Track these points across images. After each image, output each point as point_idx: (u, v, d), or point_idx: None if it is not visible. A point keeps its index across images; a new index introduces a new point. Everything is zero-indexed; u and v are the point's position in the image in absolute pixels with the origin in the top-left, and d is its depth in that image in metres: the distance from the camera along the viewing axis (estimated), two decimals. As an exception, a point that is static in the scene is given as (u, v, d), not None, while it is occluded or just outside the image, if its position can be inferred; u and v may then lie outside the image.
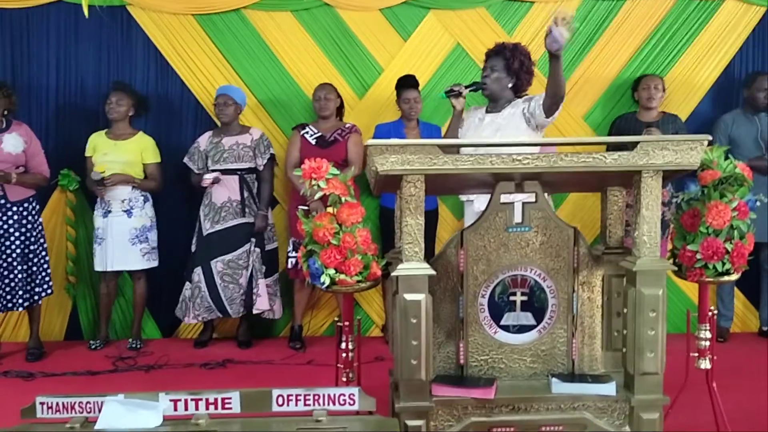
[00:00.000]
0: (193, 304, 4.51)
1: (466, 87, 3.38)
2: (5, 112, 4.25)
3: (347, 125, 4.60)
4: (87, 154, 4.54)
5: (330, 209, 2.44)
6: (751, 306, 4.88)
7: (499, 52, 3.38)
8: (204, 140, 4.59)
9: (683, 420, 2.92)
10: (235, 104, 4.52)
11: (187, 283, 4.56)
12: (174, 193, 4.76)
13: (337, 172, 2.42)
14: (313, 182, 2.36)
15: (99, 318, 4.70)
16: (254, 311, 4.52)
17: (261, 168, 4.54)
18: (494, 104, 3.44)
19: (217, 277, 4.46)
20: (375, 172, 2.29)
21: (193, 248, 4.58)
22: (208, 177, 4.44)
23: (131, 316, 4.75)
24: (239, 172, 4.50)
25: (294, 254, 4.52)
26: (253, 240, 4.51)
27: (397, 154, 2.26)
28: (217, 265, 4.48)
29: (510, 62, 3.35)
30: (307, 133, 4.56)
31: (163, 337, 4.85)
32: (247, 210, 4.50)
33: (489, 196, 3.13)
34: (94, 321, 4.78)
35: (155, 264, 4.59)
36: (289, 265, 4.57)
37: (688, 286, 4.55)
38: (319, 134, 4.55)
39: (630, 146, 2.35)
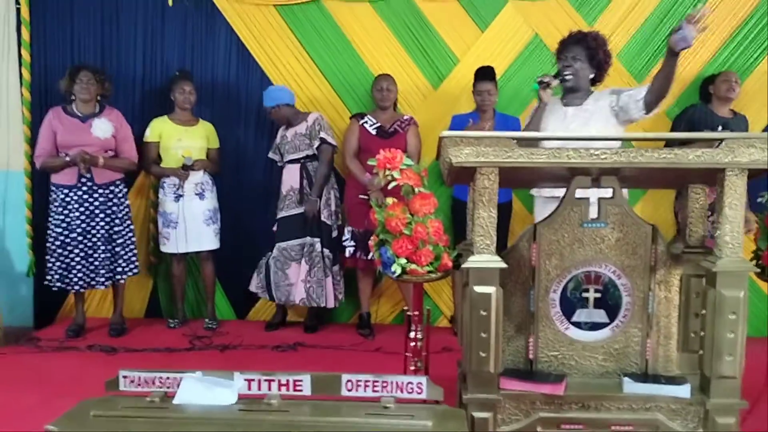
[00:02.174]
0: (258, 276, 4.68)
1: (554, 77, 3.26)
2: (98, 98, 4.45)
3: (405, 117, 4.61)
4: (151, 139, 4.65)
5: (390, 199, 2.46)
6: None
7: (580, 41, 3.27)
8: (279, 134, 4.70)
9: (761, 426, 2.81)
10: (280, 107, 4.56)
11: (263, 257, 4.70)
12: (238, 179, 4.89)
13: (411, 162, 2.43)
14: (388, 172, 2.38)
15: (175, 298, 4.88)
16: (324, 305, 4.59)
17: (317, 152, 4.58)
18: (572, 96, 3.34)
19: (272, 261, 4.59)
20: (449, 163, 2.30)
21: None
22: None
23: (205, 296, 4.91)
24: (300, 161, 4.57)
25: (351, 243, 4.57)
26: (318, 239, 4.54)
27: (472, 146, 2.25)
28: (275, 250, 4.60)
29: (594, 52, 3.25)
30: (366, 122, 4.60)
31: (238, 318, 5.00)
32: (304, 197, 4.56)
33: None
34: (171, 300, 4.96)
35: (219, 245, 4.75)
36: (347, 254, 4.61)
37: (772, 289, 4.38)
38: (379, 125, 4.57)
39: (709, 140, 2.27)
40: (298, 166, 4.58)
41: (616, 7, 4.71)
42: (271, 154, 4.76)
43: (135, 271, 4.57)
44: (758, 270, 2.55)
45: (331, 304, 4.62)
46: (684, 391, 2.38)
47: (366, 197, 4.41)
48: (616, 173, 2.40)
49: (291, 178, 4.60)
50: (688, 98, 4.71)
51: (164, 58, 4.94)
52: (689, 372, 2.49)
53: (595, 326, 2.51)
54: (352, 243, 4.56)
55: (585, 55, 3.26)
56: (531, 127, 3.30)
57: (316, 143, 4.54)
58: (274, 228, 4.66)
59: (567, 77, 3.26)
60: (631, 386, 2.41)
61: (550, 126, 3.29)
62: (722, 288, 2.28)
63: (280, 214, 4.62)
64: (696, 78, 4.69)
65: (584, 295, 2.50)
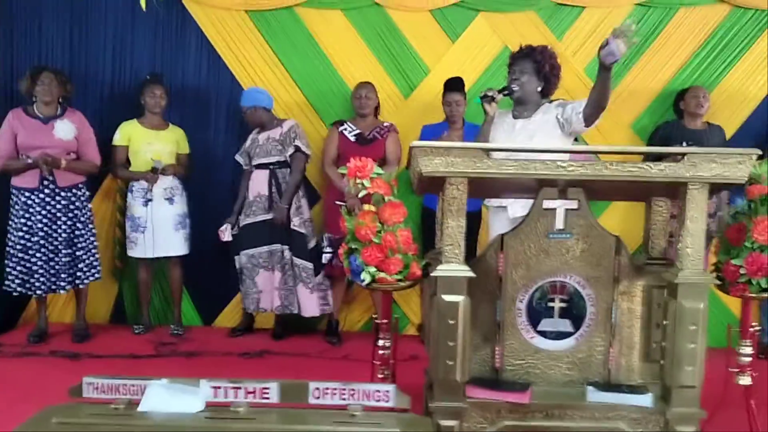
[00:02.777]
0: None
1: (499, 91, 3.32)
2: (60, 99, 4.40)
3: (385, 124, 4.64)
4: (119, 143, 4.60)
5: (368, 207, 2.48)
6: (796, 324, 4.76)
7: (528, 55, 3.34)
8: (249, 137, 4.68)
9: (720, 435, 2.88)
10: (256, 109, 4.54)
11: (239, 274, 4.68)
12: (208, 183, 4.86)
13: (382, 171, 2.45)
14: (358, 181, 2.40)
15: (140, 303, 4.82)
16: (297, 313, 4.59)
17: (289, 160, 4.57)
18: (522, 108, 3.40)
19: (242, 270, 4.59)
20: (419, 173, 2.32)
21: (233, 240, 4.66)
22: (223, 231, 4.58)
23: (171, 301, 4.86)
24: (270, 167, 4.55)
25: (329, 250, 4.57)
26: (287, 247, 4.52)
27: (442, 156, 2.28)
28: (242, 258, 4.58)
29: (540, 65, 3.31)
30: (345, 129, 4.61)
31: (204, 325, 4.96)
32: (273, 204, 4.53)
33: (523, 201, 3.16)
34: (137, 306, 4.91)
35: (188, 250, 4.71)
36: (324, 260, 4.61)
37: (731, 300, 4.45)
38: (358, 131, 4.59)
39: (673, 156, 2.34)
40: (267, 171, 4.55)
41: (584, 21, 4.79)
42: (237, 157, 4.72)
43: (97, 276, 4.51)
44: (718, 282, 2.61)
45: (312, 312, 4.60)
46: (645, 400, 2.43)
47: (342, 203, 4.40)
48: (582, 185, 2.45)
49: (259, 183, 4.58)
50: (655, 111, 4.81)
51: (134, 62, 4.89)
52: (651, 381, 2.54)
53: (560, 335, 2.55)
54: (330, 249, 4.56)
55: (532, 69, 3.32)
56: (480, 139, 3.35)
57: (290, 150, 4.52)
58: (225, 231, 4.60)
59: (514, 90, 3.32)
60: (594, 395, 2.45)
61: (498, 138, 3.35)
62: (683, 299, 2.34)
63: (246, 221, 4.59)
64: (663, 91, 4.79)
65: (550, 304, 2.53)
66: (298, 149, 4.52)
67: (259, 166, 4.57)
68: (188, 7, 4.86)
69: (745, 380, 2.71)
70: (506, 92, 3.34)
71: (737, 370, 2.72)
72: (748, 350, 2.70)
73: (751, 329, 2.70)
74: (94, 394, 2.30)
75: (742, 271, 2.56)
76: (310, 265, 4.58)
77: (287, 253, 4.53)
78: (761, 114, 4.77)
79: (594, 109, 3.15)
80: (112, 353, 4.15)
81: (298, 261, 4.56)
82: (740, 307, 2.78)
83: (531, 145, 3.18)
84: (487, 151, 2.31)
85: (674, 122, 4.64)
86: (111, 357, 4.08)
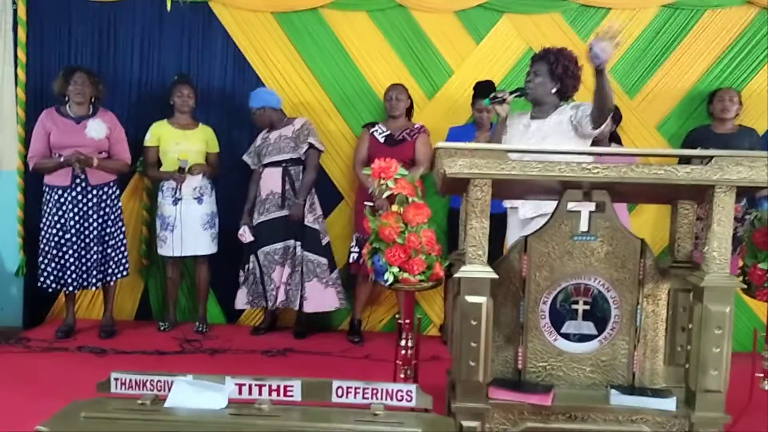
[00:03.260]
0: (248, 289, 4.68)
1: (511, 93, 3.33)
2: (92, 99, 4.47)
3: (416, 125, 4.65)
4: (150, 143, 4.67)
5: (395, 207, 2.49)
6: (824, 329, 4.69)
7: (543, 57, 3.35)
8: (259, 137, 4.72)
9: (744, 441, 2.86)
10: (265, 109, 4.60)
11: (241, 270, 4.71)
12: (235, 183, 4.89)
13: (406, 172, 2.46)
14: (382, 181, 2.41)
15: (167, 301, 4.88)
16: (305, 311, 4.64)
17: (303, 157, 4.62)
18: (539, 110, 3.40)
19: (264, 268, 4.61)
20: (442, 174, 2.33)
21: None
22: (243, 234, 4.62)
23: (196, 300, 4.91)
24: (283, 164, 4.59)
25: (357, 249, 4.60)
26: (299, 243, 4.57)
27: (466, 157, 2.29)
28: (260, 255, 4.62)
29: (554, 67, 3.31)
30: (376, 131, 4.64)
31: (228, 323, 5.00)
32: (287, 201, 4.59)
33: (534, 203, 3.17)
34: (163, 303, 4.97)
35: (216, 249, 4.76)
36: (351, 260, 4.64)
37: (757, 305, 4.41)
38: (388, 133, 4.61)
39: (701, 159, 2.32)
40: (279, 169, 4.60)
41: (609, 22, 4.75)
42: (246, 157, 4.75)
43: (125, 273, 4.58)
44: (744, 286, 2.59)
45: (326, 307, 4.66)
46: (669, 404, 2.42)
47: (371, 204, 4.43)
48: (606, 187, 2.44)
49: (272, 181, 4.62)
50: (681, 114, 4.76)
51: (161, 63, 4.95)
52: (675, 385, 2.53)
53: (583, 338, 2.55)
54: (357, 249, 4.59)
55: (546, 70, 3.33)
56: (493, 141, 3.37)
57: (304, 147, 4.58)
58: (245, 234, 4.65)
59: (527, 92, 3.35)
60: (617, 398, 2.44)
61: (511, 139, 3.37)
62: (709, 303, 2.33)
63: (260, 219, 4.63)
64: (689, 93, 4.75)
65: (573, 307, 2.53)
66: (312, 146, 4.58)
67: (272, 164, 4.61)
68: (214, 8, 4.91)
69: (771, 386, 2.68)
70: (519, 94, 3.35)
71: (763, 375, 2.69)
72: (774, 355, 2.67)
73: (777, 334, 2.67)
74: (121, 390, 2.34)
75: (769, 275, 2.53)
76: (324, 260, 4.64)
77: (299, 249, 4.58)
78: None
79: (598, 112, 3.14)
80: (137, 349, 4.19)
81: (311, 256, 4.60)
82: (766, 311, 2.74)
83: (546, 147, 3.18)
84: (508, 152, 2.31)
85: (703, 127, 4.59)
86: (137, 353, 4.13)
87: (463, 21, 4.84)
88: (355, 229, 4.69)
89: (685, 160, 2.66)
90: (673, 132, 4.77)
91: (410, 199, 2.41)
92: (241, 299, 4.73)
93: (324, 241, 4.68)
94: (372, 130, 4.66)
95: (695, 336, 2.37)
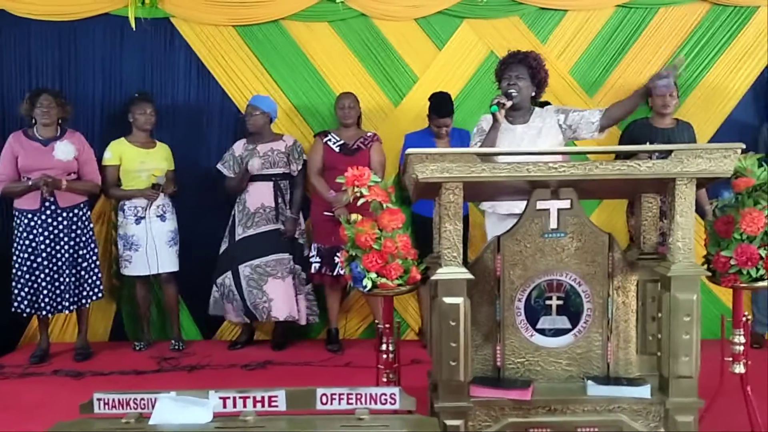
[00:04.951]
0: (233, 305, 4.64)
1: (507, 98, 3.37)
2: (59, 121, 4.44)
3: (369, 134, 4.70)
4: (111, 162, 4.62)
5: (355, 215, 2.55)
6: (788, 312, 4.84)
7: (522, 61, 3.42)
8: (239, 146, 4.71)
9: (718, 423, 2.94)
10: (263, 113, 4.62)
11: (214, 286, 4.69)
12: (200, 199, 4.89)
13: (379, 179, 2.51)
14: (356, 189, 2.45)
15: (140, 320, 4.85)
16: (298, 321, 4.65)
17: (295, 174, 4.67)
18: (517, 114, 3.46)
19: (244, 281, 4.57)
20: (415, 179, 2.38)
21: (223, 252, 4.69)
22: (255, 163, 4.53)
23: (168, 318, 4.89)
24: (273, 179, 4.62)
25: (317, 259, 4.62)
26: (291, 255, 4.60)
27: (437, 162, 2.34)
28: (245, 269, 4.59)
29: (536, 71, 3.40)
30: (330, 140, 4.67)
31: (204, 339, 4.98)
32: (280, 216, 4.61)
33: (508, 203, 3.24)
34: (136, 323, 4.93)
35: (178, 267, 4.74)
36: (313, 270, 4.66)
37: (722, 292, 4.54)
38: (342, 142, 4.65)
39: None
40: (270, 183, 4.62)
41: (567, 24, 4.87)
42: (222, 166, 4.72)
43: (99, 295, 4.54)
44: (709, 273, 2.68)
45: (303, 321, 4.68)
46: (644, 391, 2.49)
47: (331, 214, 4.47)
48: (573, 185, 2.51)
49: (262, 195, 4.62)
50: (639, 110, 4.84)
51: (124, 81, 4.92)
52: (648, 373, 2.61)
53: (558, 332, 2.61)
54: (318, 259, 4.61)
55: (528, 74, 3.41)
56: (487, 145, 3.39)
57: (299, 165, 4.67)
58: (225, 247, 4.66)
59: (513, 95, 3.38)
60: (594, 389, 2.51)
61: (503, 144, 3.41)
62: (676, 292, 2.41)
63: (249, 232, 4.62)
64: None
65: (547, 302, 2.60)
66: (305, 164, 4.68)
67: (260, 178, 4.61)
68: (176, 24, 4.90)
69: (740, 369, 2.77)
70: (509, 98, 3.39)
71: (731, 359, 2.78)
72: (741, 339, 2.76)
73: (743, 319, 2.77)
74: (104, 410, 2.33)
75: (732, 262, 2.62)
76: (304, 274, 4.69)
77: (291, 262, 4.60)
78: (743, 109, 4.86)
79: (612, 122, 3.43)
80: (115, 370, 4.17)
81: (299, 268, 4.66)
82: (731, 298, 2.84)
83: (533, 149, 3.27)
84: (481, 156, 2.38)
85: (642, 121, 4.63)
86: (114, 374, 4.11)
87: (424, 28, 4.90)
88: (314, 238, 4.71)
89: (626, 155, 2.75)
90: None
91: (384, 205, 2.46)
92: (232, 313, 4.70)
93: (305, 254, 4.72)
94: (325, 139, 4.68)
95: (665, 324, 2.45)
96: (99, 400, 2.34)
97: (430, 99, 4.56)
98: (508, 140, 3.43)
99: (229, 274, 4.62)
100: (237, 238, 4.64)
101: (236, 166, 4.68)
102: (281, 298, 4.55)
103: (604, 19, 4.87)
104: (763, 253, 2.58)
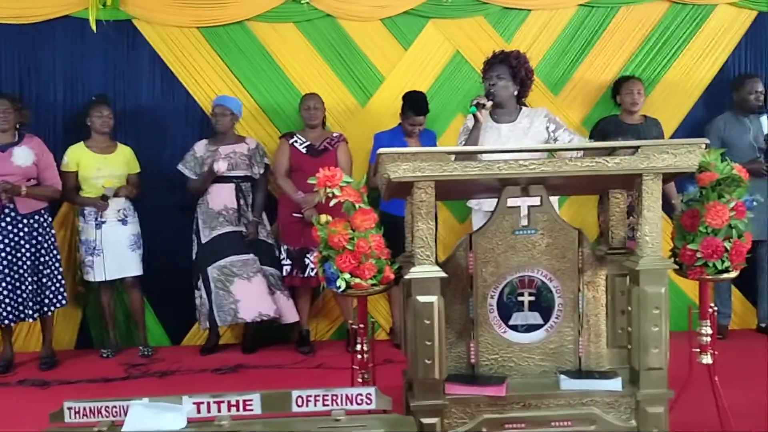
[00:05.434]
0: (202, 311, 4.59)
1: (486, 98, 3.41)
2: (17, 126, 4.34)
3: (335, 134, 4.69)
4: (69, 168, 4.53)
5: (325, 216, 2.54)
6: (749, 303, 4.97)
7: (503, 60, 3.45)
8: (201, 147, 4.66)
9: (687, 413, 3.00)
10: (232, 114, 4.61)
11: (196, 291, 4.64)
12: (170, 201, 4.83)
13: (351, 180, 2.50)
14: (328, 190, 2.45)
15: (106, 327, 4.76)
16: (284, 322, 4.61)
17: (257, 176, 4.65)
18: (502, 112, 3.51)
19: (213, 283, 4.53)
20: (387, 178, 2.38)
21: (194, 256, 4.65)
22: (221, 165, 4.47)
23: (134, 324, 4.82)
24: (235, 181, 4.59)
25: (288, 261, 4.60)
26: (257, 257, 4.56)
27: (409, 161, 2.35)
28: (213, 271, 4.54)
29: (516, 70, 3.43)
30: (296, 141, 4.65)
31: (173, 344, 4.92)
32: (242, 218, 4.59)
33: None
34: (103, 329, 4.84)
35: (142, 271, 4.67)
36: (284, 273, 4.63)
37: (687, 286, 4.65)
38: (308, 143, 4.63)
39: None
40: (232, 185, 4.59)
41: (530, 23, 4.93)
42: (183, 167, 4.66)
43: (63, 302, 4.45)
44: (676, 267, 2.73)
45: (293, 318, 4.63)
46: (616, 384, 2.54)
47: (300, 215, 4.45)
48: (543, 182, 2.54)
49: (225, 196, 4.59)
50: (604, 108, 4.95)
51: (85, 85, 4.84)
52: (619, 366, 2.65)
53: (530, 328, 2.64)
54: (288, 261, 4.59)
55: (509, 73, 3.45)
56: (470, 144, 3.42)
57: (261, 168, 4.66)
58: (197, 250, 4.61)
59: (494, 95, 3.42)
60: (567, 383, 2.54)
61: (487, 143, 3.45)
62: (645, 285, 2.45)
63: (214, 233, 4.57)
64: (609, 88, 4.94)
65: (519, 299, 2.62)
66: (267, 167, 4.67)
67: (223, 179, 4.57)
68: (139, 26, 4.84)
69: (707, 359, 2.83)
70: (491, 98, 3.42)
71: (699, 350, 2.84)
72: (708, 330, 2.82)
73: (710, 310, 2.83)
74: (75, 419, 2.29)
75: (698, 255, 2.67)
76: (281, 273, 4.66)
77: (258, 263, 4.56)
78: (704, 105, 4.97)
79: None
80: (82, 378, 4.09)
81: (271, 270, 4.61)
82: (697, 291, 2.90)
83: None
84: (457, 154, 2.39)
85: (612, 118, 4.76)
86: (82, 382, 4.03)
87: (390, 28, 4.91)
88: (283, 241, 4.69)
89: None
90: (598, 125, 4.96)
91: (357, 206, 2.46)
92: (203, 322, 4.65)
93: (278, 254, 4.69)
94: (291, 140, 4.66)
95: (635, 317, 2.49)
96: (69, 408, 2.30)
97: (404, 98, 4.56)
98: (493, 138, 3.46)
99: (200, 276, 4.59)
100: (204, 240, 4.60)
101: (198, 168, 4.63)
102: (249, 299, 4.48)
103: (566, 18, 4.94)
104: (727, 245, 2.64)
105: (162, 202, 4.83)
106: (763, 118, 4.57)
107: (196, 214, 4.66)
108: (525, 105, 3.58)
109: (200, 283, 4.58)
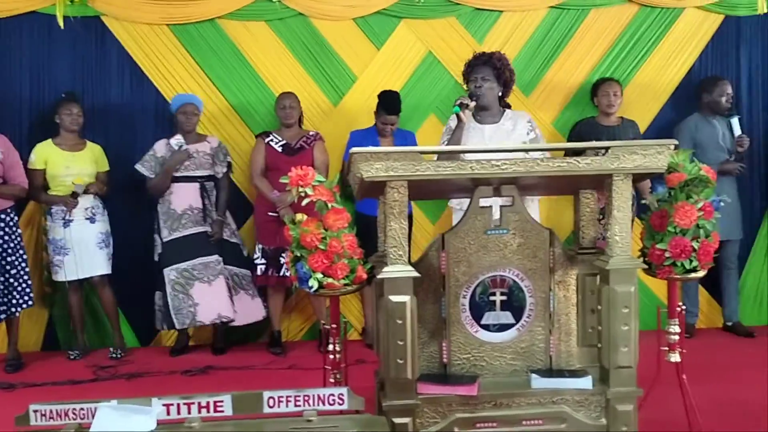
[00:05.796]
0: (160, 312, 4.56)
1: (470, 99, 3.40)
2: (-19, 124, 4.26)
3: (311, 133, 4.67)
4: (37, 166, 4.46)
5: (300, 215, 2.52)
6: (715, 302, 5.05)
7: (487, 62, 3.45)
8: (162, 147, 4.59)
9: (656, 410, 3.05)
10: (199, 113, 4.60)
11: (157, 292, 4.59)
12: (139, 200, 4.76)
13: (323, 179, 2.49)
14: (301, 189, 2.43)
15: (74, 328, 4.68)
16: (238, 324, 4.59)
17: (220, 176, 4.62)
18: (486, 113, 3.51)
19: (168, 285, 4.48)
20: (359, 178, 2.37)
21: (156, 257, 4.60)
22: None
23: (105, 325, 4.75)
24: (199, 180, 4.55)
25: (263, 261, 4.57)
26: (221, 257, 4.53)
27: (382, 161, 2.34)
28: (170, 273, 4.50)
29: (500, 72, 3.44)
30: (272, 140, 4.62)
31: (142, 346, 4.85)
32: (207, 217, 4.56)
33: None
34: (70, 331, 4.76)
35: (111, 270, 4.60)
36: (259, 272, 4.61)
37: (655, 286, 4.71)
38: (284, 142, 4.61)
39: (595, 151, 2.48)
40: (197, 185, 4.55)
41: (502, 24, 4.96)
42: (141, 167, 4.58)
43: (30, 303, 4.36)
44: (646, 266, 2.76)
45: (256, 317, 4.63)
46: (586, 383, 2.56)
47: (275, 214, 4.43)
48: (515, 182, 2.55)
49: (189, 196, 4.55)
50: (575, 109, 5.00)
51: (53, 82, 4.76)
52: (589, 365, 2.67)
53: (502, 327, 2.65)
54: (263, 261, 4.56)
55: (493, 75, 3.44)
56: (452, 144, 3.41)
57: (224, 167, 4.62)
58: (159, 251, 4.56)
59: (480, 96, 3.42)
60: (538, 382, 2.56)
61: (470, 143, 3.44)
62: (615, 284, 2.48)
63: (175, 234, 4.53)
64: (580, 89, 5.00)
65: (491, 298, 2.63)
66: (229, 166, 4.65)
67: (186, 179, 4.53)
68: (107, 23, 4.77)
69: (675, 358, 2.87)
70: (475, 99, 3.42)
71: (668, 348, 2.88)
72: (677, 329, 2.86)
73: (678, 309, 2.87)
74: (41, 422, 2.25)
75: (667, 254, 2.70)
76: (248, 272, 4.65)
77: (222, 264, 4.53)
78: (672, 106, 5.04)
79: None
80: (48, 381, 4.01)
81: (236, 270, 4.60)
82: (665, 290, 2.94)
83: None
84: (442, 155, 2.39)
85: (589, 120, 4.83)
86: (48, 385, 3.96)
87: (362, 28, 4.91)
88: (258, 240, 4.66)
89: (579, 152, 2.81)
90: (568, 127, 5.00)
91: (329, 205, 2.44)
92: (160, 323, 4.60)
93: (244, 253, 4.68)
94: (267, 139, 4.63)
95: (605, 316, 2.52)
96: (36, 411, 2.26)
97: (379, 96, 4.56)
98: (476, 139, 3.47)
99: (161, 276, 4.53)
100: (164, 240, 4.55)
101: (158, 167, 4.57)
102: (208, 302, 4.47)
103: (538, 20, 4.97)
104: (695, 245, 2.68)
105: (130, 201, 4.77)
106: (734, 120, 4.64)
107: (156, 214, 4.61)
108: (509, 107, 3.59)
109: (165, 289, 4.52)
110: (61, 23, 4.64)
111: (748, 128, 4.90)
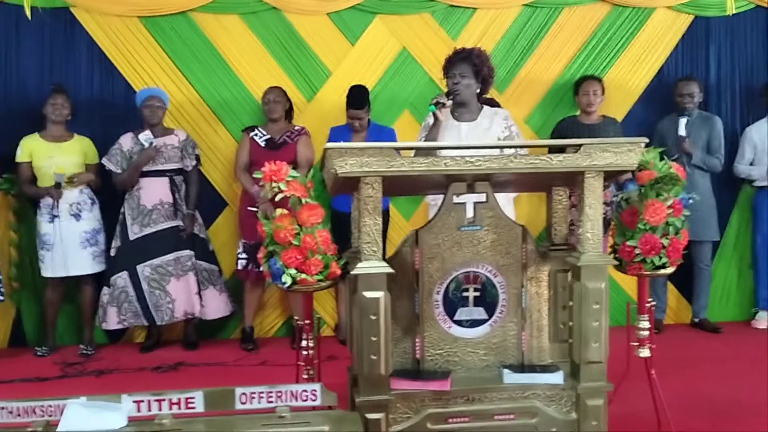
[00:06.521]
0: (119, 308, 4.47)
1: (447, 97, 3.39)
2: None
3: (296, 128, 4.65)
4: (22, 159, 4.42)
5: (280, 211, 2.50)
6: (683, 299, 5.14)
7: (466, 59, 3.41)
8: (127, 141, 4.53)
9: (625, 405, 3.08)
10: (164, 106, 4.55)
11: (105, 288, 4.51)
12: (118, 196, 4.67)
13: (297, 174, 2.48)
14: (274, 184, 2.41)
15: (46, 325, 4.60)
16: (205, 318, 4.58)
17: (188, 169, 4.58)
18: (463, 110, 3.49)
19: (144, 282, 4.44)
20: (333, 173, 2.36)
21: (113, 252, 4.54)
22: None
23: (77, 321, 4.68)
24: (168, 174, 4.51)
25: (244, 256, 4.55)
26: (193, 252, 4.52)
27: (356, 156, 2.33)
28: (144, 269, 4.46)
29: (479, 68, 3.40)
30: (256, 135, 4.60)
31: (111, 343, 4.78)
32: (178, 212, 4.52)
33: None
34: (39, 327, 4.68)
35: (103, 267, 4.54)
36: (240, 267, 4.59)
37: (625, 282, 4.77)
38: (269, 136, 4.58)
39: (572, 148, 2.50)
40: (166, 179, 4.51)
41: (476, 21, 4.97)
42: (108, 161, 4.52)
43: (0, 299, 4.29)
44: (616, 263, 2.80)
45: (222, 313, 4.62)
46: (557, 378, 2.58)
47: (255, 209, 4.40)
48: (488, 179, 2.56)
49: (159, 191, 4.50)
50: (547, 106, 5.04)
51: (20, 74, 4.69)
52: (560, 360, 2.69)
53: (475, 323, 2.66)
54: (245, 255, 4.53)
55: (471, 72, 3.41)
56: (429, 141, 3.40)
57: (192, 160, 4.58)
58: (118, 245, 4.51)
59: (457, 94, 3.40)
60: (510, 377, 2.57)
61: (448, 140, 3.43)
62: (586, 281, 2.50)
63: (146, 230, 4.48)
64: (552, 87, 5.04)
65: (464, 294, 2.64)
66: (198, 159, 4.62)
67: (155, 173, 4.49)
68: (76, 14, 4.70)
69: (645, 353, 2.91)
70: (450, 97, 3.40)
71: (637, 344, 2.92)
72: (646, 325, 2.90)
73: (648, 305, 2.91)
74: (7, 419, 2.21)
75: (637, 251, 2.74)
76: (215, 267, 4.64)
77: (193, 258, 4.50)
78: (643, 105, 5.11)
79: None
80: (15, 378, 3.95)
81: (204, 264, 4.58)
82: (635, 287, 2.98)
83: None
84: (420, 151, 2.38)
85: (571, 118, 4.87)
86: (15, 382, 3.90)
87: (336, 23, 4.89)
88: (241, 235, 4.63)
89: (559, 149, 2.83)
90: (540, 124, 5.05)
91: (303, 201, 2.43)
92: (113, 319, 4.50)
93: (210, 248, 4.67)
94: (252, 134, 4.61)
95: (576, 312, 2.54)
96: (2, 408, 2.21)
97: (348, 93, 4.54)
98: (453, 137, 3.45)
99: (124, 274, 4.46)
100: (133, 236, 4.49)
101: (125, 162, 4.50)
102: (181, 298, 4.47)
103: (511, 18, 5.00)
104: (665, 242, 2.72)
105: (113, 197, 4.66)
106: (682, 120, 4.69)
107: (123, 209, 4.55)
108: (492, 103, 3.59)
109: (119, 280, 4.46)
110: (28, 14, 4.55)
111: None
